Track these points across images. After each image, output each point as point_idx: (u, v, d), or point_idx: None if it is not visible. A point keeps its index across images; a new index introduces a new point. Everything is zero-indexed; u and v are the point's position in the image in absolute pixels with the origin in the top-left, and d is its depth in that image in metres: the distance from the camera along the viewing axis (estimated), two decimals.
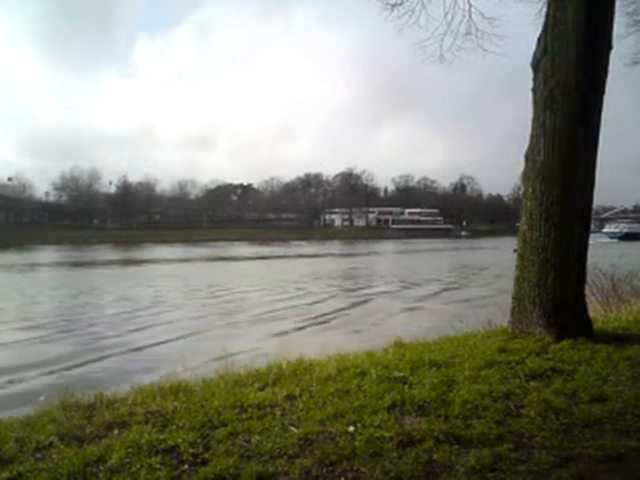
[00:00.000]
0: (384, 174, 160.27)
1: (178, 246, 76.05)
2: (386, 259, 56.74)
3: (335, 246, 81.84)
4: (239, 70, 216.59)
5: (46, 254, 58.40)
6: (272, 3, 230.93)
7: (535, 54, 6.47)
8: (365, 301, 23.29)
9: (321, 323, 17.83)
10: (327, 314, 19.34)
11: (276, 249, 70.86)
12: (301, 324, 17.36)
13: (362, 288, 28.37)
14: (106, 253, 61.95)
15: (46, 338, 15.42)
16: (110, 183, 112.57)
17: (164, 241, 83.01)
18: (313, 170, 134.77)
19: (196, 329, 16.36)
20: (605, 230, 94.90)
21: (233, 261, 52.60)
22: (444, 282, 30.69)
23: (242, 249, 71.11)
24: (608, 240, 77.11)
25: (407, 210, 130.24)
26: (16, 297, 24.29)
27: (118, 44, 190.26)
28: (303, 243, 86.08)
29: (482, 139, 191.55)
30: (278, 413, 4.01)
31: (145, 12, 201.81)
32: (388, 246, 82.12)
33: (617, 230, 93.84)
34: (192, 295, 24.94)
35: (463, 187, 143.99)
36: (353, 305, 21.90)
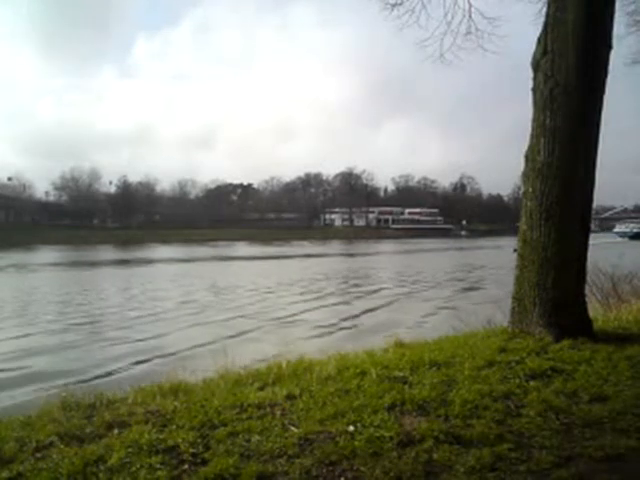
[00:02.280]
0: (384, 174, 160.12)
1: (180, 246, 75.97)
2: (400, 258, 56.25)
3: (339, 246, 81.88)
4: (238, 69, 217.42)
5: (58, 254, 58.17)
6: (269, 2, 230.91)
7: (535, 54, 6.46)
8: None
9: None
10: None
11: (282, 249, 70.69)
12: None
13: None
14: (116, 253, 62.08)
15: None
16: (110, 183, 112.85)
17: (164, 241, 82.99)
18: (313, 170, 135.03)
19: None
20: (616, 230, 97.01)
21: (249, 260, 52.61)
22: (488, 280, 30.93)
23: (248, 249, 71.10)
24: (619, 239, 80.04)
25: (407, 210, 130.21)
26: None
27: (117, 43, 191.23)
28: (305, 243, 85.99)
29: (482, 139, 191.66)
30: (278, 413, 4.01)
31: (143, 11, 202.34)
32: (392, 246, 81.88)
33: (627, 230, 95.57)
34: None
35: (463, 187, 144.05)
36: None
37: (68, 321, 18.06)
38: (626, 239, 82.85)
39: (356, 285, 30.02)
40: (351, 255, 62.75)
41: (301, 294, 25.27)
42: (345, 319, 18.38)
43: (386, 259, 56.30)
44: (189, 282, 30.46)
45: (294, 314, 19.30)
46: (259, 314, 19.21)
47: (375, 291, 26.56)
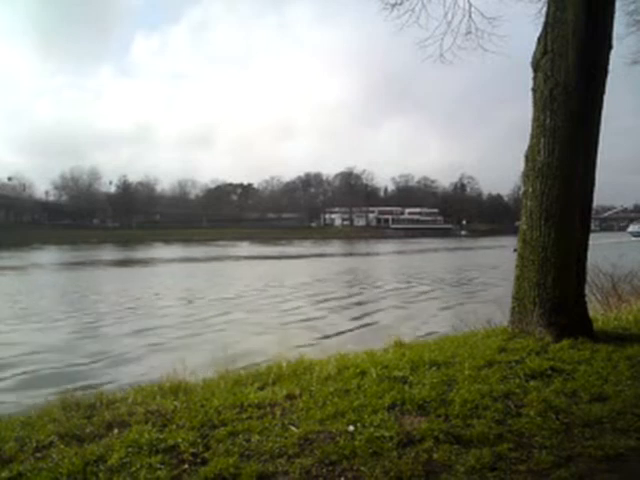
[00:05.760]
0: (384, 174, 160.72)
1: (184, 246, 75.63)
2: (415, 258, 55.67)
3: (343, 246, 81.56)
4: (237, 68, 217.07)
5: (68, 254, 57.74)
6: (268, 0, 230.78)
7: (535, 54, 6.46)
8: None
9: None
10: None
11: (289, 249, 70.35)
12: None
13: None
14: (124, 253, 61.66)
15: None
16: (110, 183, 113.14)
17: (166, 241, 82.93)
18: (313, 170, 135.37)
19: None
20: (630, 229, 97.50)
21: (264, 260, 52.23)
22: None
23: (255, 248, 70.80)
24: (633, 239, 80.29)
25: (407, 210, 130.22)
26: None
27: (116, 42, 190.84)
28: (307, 243, 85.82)
29: (482, 139, 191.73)
30: (278, 413, 4.01)
31: (142, 9, 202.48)
32: (396, 246, 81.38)
33: None
34: None
35: (463, 187, 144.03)
36: None
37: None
38: (639, 238, 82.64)
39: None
40: (362, 254, 62.60)
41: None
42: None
43: (402, 258, 55.74)
44: (227, 281, 30.10)
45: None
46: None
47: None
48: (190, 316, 18.18)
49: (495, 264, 36.19)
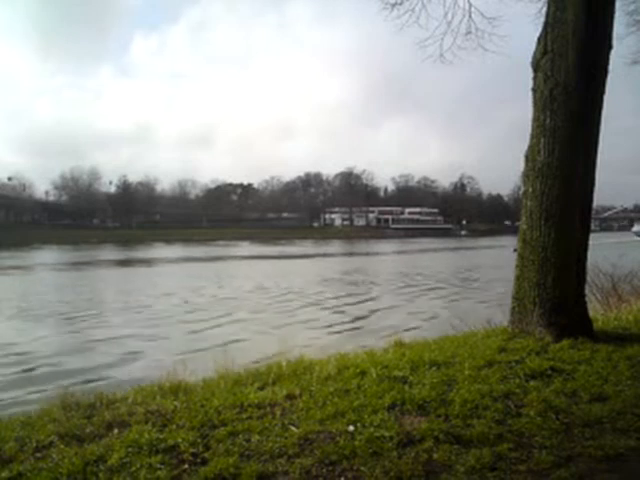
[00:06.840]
0: (384, 174, 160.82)
1: (186, 246, 75.53)
2: (417, 257, 55.83)
3: (345, 246, 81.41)
4: (237, 68, 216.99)
5: (72, 254, 57.69)
6: (268, 0, 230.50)
7: (535, 54, 6.46)
8: None
9: None
10: None
11: (292, 249, 70.14)
12: None
13: None
14: (128, 253, 61.52)
15: None
16: (110, 183, 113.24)
17: (167, 241, 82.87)
18: (313, 170, 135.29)
19: None
20: (634, 229, 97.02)
21: (273, 260, 51.95)
22: None
23: (259, 248, 70.68)
24: (636, 238, 79.91)
25: (407, 210, 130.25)
26: None
27: (115, 42, 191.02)
28: (309, 243, 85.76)
29: (482, 139, 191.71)
30: (278, 413, 4.01)
31: (141, 9, 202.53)
32: (398, 245, 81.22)
33: None
34: None
35: (463, 187, 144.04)
36: None
37: None
38: None
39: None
40: (364, 254, 62.49)
41: None
42: None
43: (406, 258, 55.49)
44: (236, 281, 29.96)
45: None
46: None
47: None
48: (224, 316, 18.29)
49: (506, 264, 36.36)
